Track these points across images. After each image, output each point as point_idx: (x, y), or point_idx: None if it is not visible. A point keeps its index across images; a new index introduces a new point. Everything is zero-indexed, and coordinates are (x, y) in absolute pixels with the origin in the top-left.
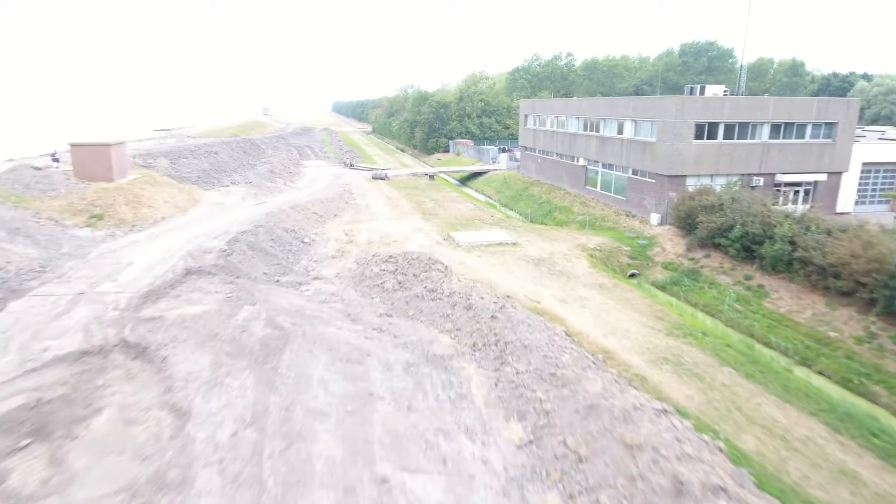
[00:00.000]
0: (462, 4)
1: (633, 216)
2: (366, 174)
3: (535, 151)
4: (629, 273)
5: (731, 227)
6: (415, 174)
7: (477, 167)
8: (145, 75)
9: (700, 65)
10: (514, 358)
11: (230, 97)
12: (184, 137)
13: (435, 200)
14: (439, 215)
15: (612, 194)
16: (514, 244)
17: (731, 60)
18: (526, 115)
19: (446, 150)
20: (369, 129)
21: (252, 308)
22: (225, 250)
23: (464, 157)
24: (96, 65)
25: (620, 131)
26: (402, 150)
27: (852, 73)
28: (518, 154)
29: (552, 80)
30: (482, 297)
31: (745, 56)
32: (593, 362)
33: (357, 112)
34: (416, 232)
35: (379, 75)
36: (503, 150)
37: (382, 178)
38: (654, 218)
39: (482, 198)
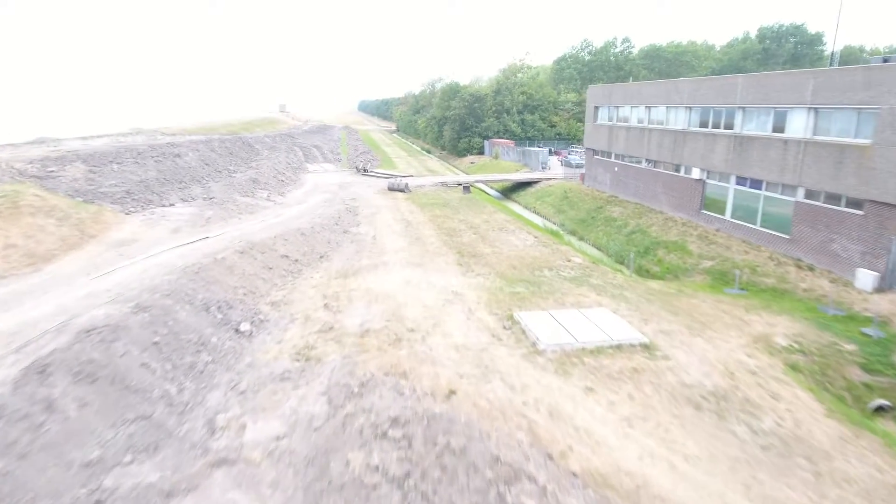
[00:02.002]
0: (487, 2)
1: (811, 269)
2: (381, 183)
3: (609, 156)
4: (873, 405)
5: None
6: (443, 183)
7: (522, 175)
8: (152, 73)
9: (784, 52)
10: None
11: (250, 95)
12: (157, 135)
13: (475, 228)
14: (485, 258)
15: (757, 227)
16: (645, 347)
17: (818, 48)
18: (596, 107)
19: (481, 152)
20: (393, 127)
21: None
22: None
23: (503, 160)
24: (97, 62)
25: (780, 127)
26: (428, 152)
27: None
28: (574, 158)
29: (605, 70)
30: None
31: (837, 41)
32: None
33: (381, 110)
34: (450, 303)
35: (407, 73)
36: (551, 153)
37: (401, 190)
38: (865, 278)
39: (538, 220)
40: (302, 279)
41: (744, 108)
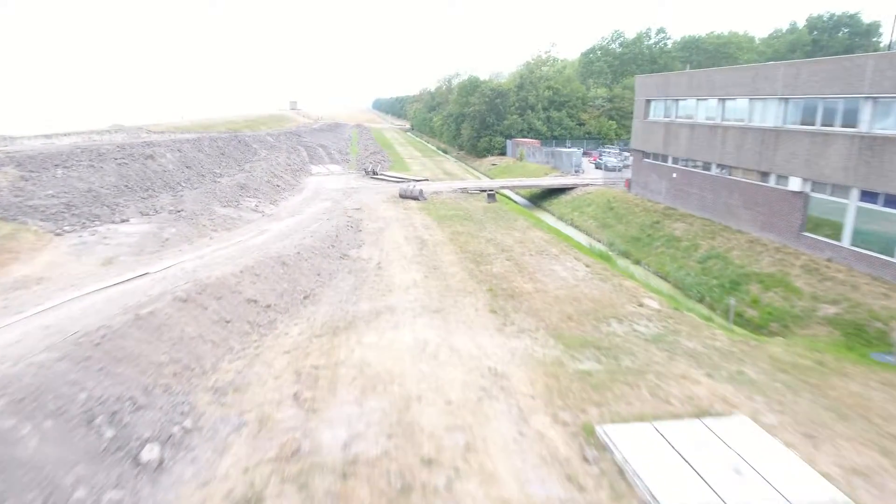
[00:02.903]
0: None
1: None
2: (391, 188)
3: (665, 159)
4: None
5: None
6: (464, 189)
7: (555, 180)
8: (154, 73)
9: (837, 44)
10: None
11: (262, 94)
12: (140, 133)
13: (508, 251)
14: (527, 299)
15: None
16: None
17: (874, 39)
18: (647, 101)
19: (502, 153)
20: (407, 126)
21: None
22: None
23: (529, 162)
24: (97, 62)
25: None
26: (445, 152)
27: None
28: (610, 159)
29: (638, 63)
30: None
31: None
32: None
33: (396, 108)
34: (488, 396)
35: (423, 70)
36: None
37: (415, 198)
38: None
39: (580, 237)
40: (272, 338)
41: (875, 98)
